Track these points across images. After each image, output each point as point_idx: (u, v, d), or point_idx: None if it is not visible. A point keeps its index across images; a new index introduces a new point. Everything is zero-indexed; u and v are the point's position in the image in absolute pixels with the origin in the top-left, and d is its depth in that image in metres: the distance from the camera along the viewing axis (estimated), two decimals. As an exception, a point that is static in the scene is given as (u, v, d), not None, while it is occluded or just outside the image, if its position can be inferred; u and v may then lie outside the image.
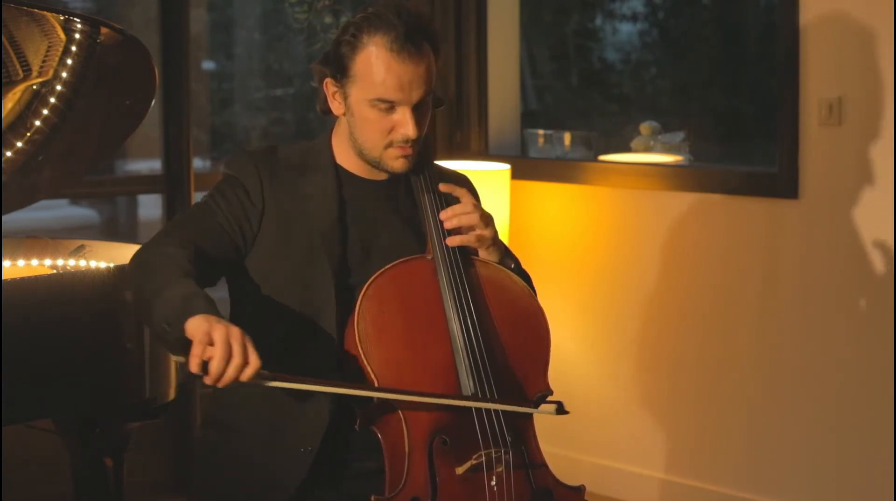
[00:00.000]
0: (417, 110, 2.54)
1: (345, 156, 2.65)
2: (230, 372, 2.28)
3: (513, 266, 2.69)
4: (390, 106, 2.52)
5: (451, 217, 2.61)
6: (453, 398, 2.50)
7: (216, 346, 2.28)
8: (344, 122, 2.62)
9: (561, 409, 2.54)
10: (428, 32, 2.54)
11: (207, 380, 2.30)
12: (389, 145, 2.56)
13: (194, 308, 2.33)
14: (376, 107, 2.53)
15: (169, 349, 2.40)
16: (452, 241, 2.60)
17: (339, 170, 2.65)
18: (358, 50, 2.52)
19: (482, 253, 2.65)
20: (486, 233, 2.62)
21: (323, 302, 2.55)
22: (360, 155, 2.61)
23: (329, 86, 2.59)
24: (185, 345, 2.32)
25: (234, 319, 2.59)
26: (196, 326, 2.30)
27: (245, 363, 2.29)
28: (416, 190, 2.66)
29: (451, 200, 2.67)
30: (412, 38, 2.50)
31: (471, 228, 2.61)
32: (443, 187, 2.65)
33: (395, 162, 2.58)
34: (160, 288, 2.39)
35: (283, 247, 2.58)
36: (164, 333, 2.36)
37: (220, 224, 2.57)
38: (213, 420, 2.66)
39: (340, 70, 2.55)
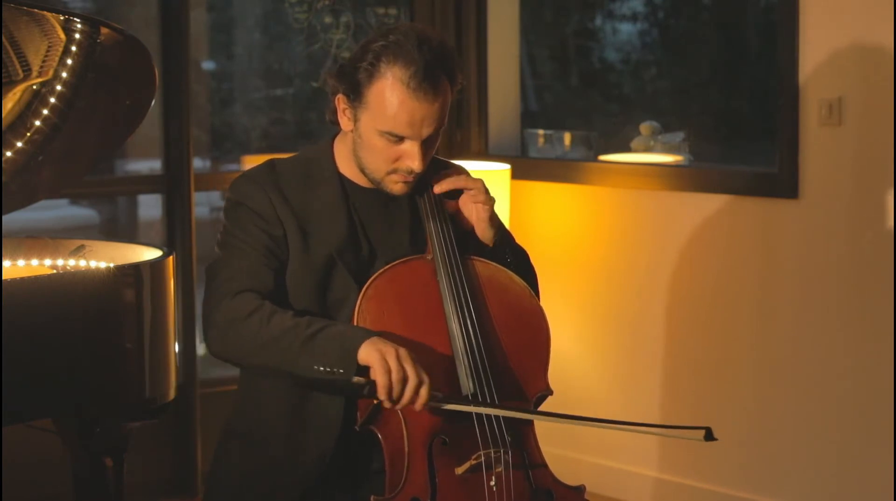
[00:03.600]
0: (426, 143, 2.54)
1: (347, 167, 2.65)
2: (408, 392, 2.37)
3: (508, 259, 2.69)
4: (399, 139, 2.52)
5: (440, 180, 2.63)
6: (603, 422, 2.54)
7: (393, 371, 2.35)
8: (350, 136, 2.61)
9: (710, 435, 2.48)
10: (448, 67, 2.51)
11: (387, 404, 2.38)
12: (393, 172, 2.56)
13: (352, 339, 2.39)
14: (385, 138, 2.52)
15: (337, 387, 2.43)
16: (440, 188, 2.62)
17: (342, 180, 2.64)
18: (374, 78, 2.50)
19: (478, 227, 2.64)
20: (486, 200, 2.63)
21: (344, 308, 2.56)
22: (362, 171, 2.61)
23: (340, 103, 2.58)
24: (359, 375, 2.38)
25: None
26: (368, 354, 2.37)
27: (420, 382, 2.37)
28: (415, 190, 2.66)
29: (451, 195, 2.67)
30: (430, 76, 2.47)
31: (465, 189, 2.62)
32: (437, 188, 2.64)
33: (396, 186, 2.59)
34: (289, 346, 2.42)
35: (305, 259, 2.58)
36: (330, 376, 2.39)
37: (259, 263, 2.56)
38: (235, 431, 2.66)
39: (355, 93, 2.53)
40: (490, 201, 2.63)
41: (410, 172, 2.55)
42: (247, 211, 2.58)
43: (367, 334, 2.40)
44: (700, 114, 6.46)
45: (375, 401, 2.40)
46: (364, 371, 2.38)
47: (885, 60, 3.87)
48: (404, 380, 2.36)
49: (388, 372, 2.35)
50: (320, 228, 2.59)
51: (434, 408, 2.44)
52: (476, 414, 2.51)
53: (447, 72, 2.51)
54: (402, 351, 2.37)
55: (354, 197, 2.64)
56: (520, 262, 2.73)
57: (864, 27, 3.91)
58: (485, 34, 4.96)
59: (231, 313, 2.50)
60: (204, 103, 5.59)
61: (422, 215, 2.65)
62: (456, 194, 2.67)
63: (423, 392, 2.38)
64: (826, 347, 4.06)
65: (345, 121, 2.59)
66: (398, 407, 2.39)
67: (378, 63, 2.49)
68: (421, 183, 2.65)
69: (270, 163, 2.66)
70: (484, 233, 2.65)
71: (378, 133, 2.52)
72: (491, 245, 2.66)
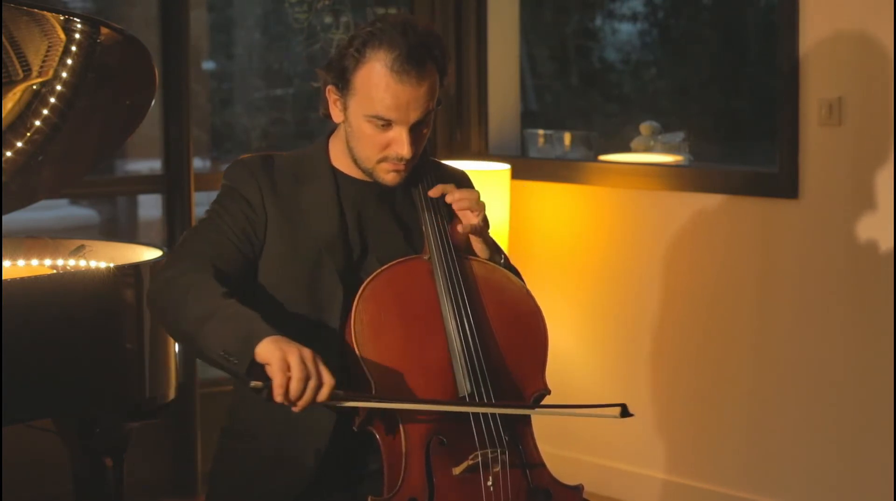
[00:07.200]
0: (414, 129, 2.54)
1: (341, 160, 2.65)
2: (308, 393, 2.31)
3: (502, 261, 2.69)
4: (387, 123, 2.52)
5: (459, 198, 2.61)
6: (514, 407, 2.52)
7: (293, 369, 2.29)
8: (343, 129, 2.62)
9: (626, 412, 2.51)
10: (433, 53, 2.52)
11: (285, 402, 2.32)
12: (383, 160, 2.56)
13: (258, 332, 2.34)
14: (372, 123, 2.53)
15: (232, 375, 2.41)
16: (456, 230, 2.61)
17: (336, 174, 2.65)
18: (360, 64, 2.52)
19: (474, 243, 2.65)
20: (482, 223, 2.64)
21: (330, 306, 2.56)
22: (355, 163, 2.62)
23: (331, 94, 2.59)
24: (252, 371, 2.33)
25: None
26: (269, 352, 2.31)
27: (320, 383, 2.32)
28: (413, 191, 2.67)
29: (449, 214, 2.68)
30: (414, 59, 2.49)
31: (472, 211, 2.61)
32: (431, 193, 2.64)
33: (387, 175, 2.59)
34: (205, 317, 2.39)
35: (290, 254, 2.58)
36: (226, 362, 2.36)
37: (230, 240, 2.56)
38: (232, 430, 2.67)
39: (342, 81, 2.55)
40: (480, 210, 2.63)
41: (400, 159, 2.55)
42: (236, 194, 2.60)
43: (274, 332, 2.35)
44: (700, 114, 6.47)
45: (277, 401, 2.34)
46: (261, 369, 2.33)
47: (885, 60, 3.87)
48: (305, 379, 2.31)
49: (286, 370, 2.30)
50: (310, 224, 2.60)
51: (345, 406, 2.40)
52: (472, 414, 2.51)
53: (432, 57, 2.53)
54: (306, 351, 2.32)
55: (348, 190, 2.64)
56: None
57: (864, 27, 3.91)
58: (485, 34, 4.96)
59: (174, 271, 2.49)
60: (204, 103, 5.59)
61: (419, 215, 2.65)
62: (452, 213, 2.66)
63: (325, 392, 2.33)
64: (826, 347, 4.06)
65: (336, 113, 2.61)
66: (298, 406, 2.33)
67: (364, 49, 2.51)
68: (415, 176, 2.65)
69: (268, 154, 2.67)
70: (481, 249, 2.65)
71: (366, 118, 2.53)
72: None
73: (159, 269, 2.56)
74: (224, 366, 2.38)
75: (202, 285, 2.45)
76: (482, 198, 2.68)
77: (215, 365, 2.41)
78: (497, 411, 2.52)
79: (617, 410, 2.50)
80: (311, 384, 2.30)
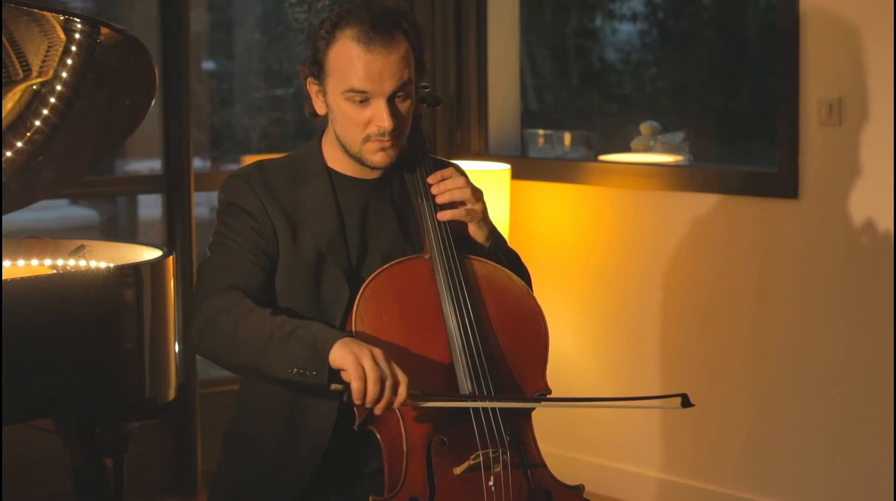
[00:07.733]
0: (393, 102, 2.54)
1: (335, 159, 2.65)
2: (387, 394, 2.36)
3: (489, 246, 2.69)
4: (364, 98, 2.53)
5: (442, 191, 2.63)
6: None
7: (368, 372, 2.34)
8: (331, 126, 2.62)
9: (686, 402, 2.54)
10: (399, 22, 2.54)
11: (367, 404, 2.37)
12: (367, 139, 2.56)
13: (324, 340, 2.38)
14: (350, 100, 2.54)
15: (311, 388, 2.44)
16: (443, 216, 2.61)
17: (331, 174, 2.65)
18: (331, 45, 2.54)
19: (472, 229, 2.65)
20: (477, 207, 2.64)
21: (334, 306, 2.56)
22: (345, 152, 2.61)
23: (311, 85, 2.61)
24: (331, 378, 2.37)
25: None
26: (342, 358, 2.36)
27: (396, 382, 2.37)
28: (412, 188, 2.67)
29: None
30: (380, 28, 2.51)
31: (462, 202, 2.62)
32: (429, 179, 2.65)
33: (375, 156, 2.58)
34: (262, 344, 2.42)
35: (294, 255, 2.58)
36: (303, 379, 2.39)
37: (246, 260, 2.56)
38: (233, 434, 2.67)
39: (317, 67, 2.58)
40: (477, 208, 2.64)
41: (383, 134, 2.54)
42: (236, 209, 2.59)
43: (339, 335, 2.40)
44: (700, 114, 6.47)
45: (356, 404, 2.38)
46: (337, 373, 2.37)
47: (885, 60, 3.87)
48: (381, 381, 2.35)
49: (363, 375, 2.34)
50: (309, 225, 2.60)
51: (420, 407, 2.43)
52: (473, 412, 2.51)
53: (400, 27, 2.55)
54: (377, 351, 2.36)
55: (344, 189, 2.64)
56: (512, 264, 2.72)
57: (864, 27, 3.91)
58: (485, 34, 4.96)
59: (212, 309, 2.50)
60: (204, 103, 5.60)
61: (418, 214, 2.65)
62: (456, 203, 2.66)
63: (402, 391, 2.37)
64: (826, 347, 4.06)
65: (319, 105, 2.61)
66: (377, 408, 2.38)
67: (333, 30, 2.54)
68: (411, 169, 2.65)
69: (259, 163, 2.67)
70: (477, 232, 2.65)
71: (343, 97, 2.54)
72: (486, 243, 2.66)
73: (192, 313, 2.56)
74: (301, 383, 2.41)
75: (244, 315, 2.47)
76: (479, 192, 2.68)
77: (290, 384, 2.45)
78: (554, 406, 2.59)
79: (678, 400, 2.52)
80: (388, 384, 2.36)
